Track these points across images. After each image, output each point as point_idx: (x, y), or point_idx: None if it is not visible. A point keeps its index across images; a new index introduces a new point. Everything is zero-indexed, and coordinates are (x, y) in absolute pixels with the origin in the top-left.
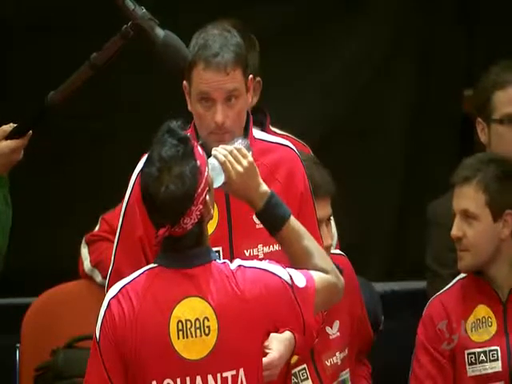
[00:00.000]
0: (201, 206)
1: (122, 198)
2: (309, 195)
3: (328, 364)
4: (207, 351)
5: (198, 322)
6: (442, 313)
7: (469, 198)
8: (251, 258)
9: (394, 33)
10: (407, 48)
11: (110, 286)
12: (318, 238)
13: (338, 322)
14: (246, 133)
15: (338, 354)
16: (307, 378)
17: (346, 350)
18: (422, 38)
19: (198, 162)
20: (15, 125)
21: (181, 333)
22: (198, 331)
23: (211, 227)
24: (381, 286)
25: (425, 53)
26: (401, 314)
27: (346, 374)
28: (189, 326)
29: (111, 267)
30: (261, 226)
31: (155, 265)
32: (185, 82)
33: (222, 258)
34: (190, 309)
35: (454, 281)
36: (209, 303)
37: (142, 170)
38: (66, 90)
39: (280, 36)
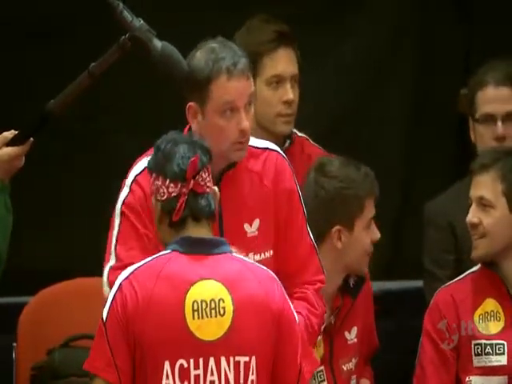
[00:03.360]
0: (211, 182)
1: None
2: (295, 193)
3: (345, 369)
4: (222, 332)
5: (213, 303)
6: (449, 303)
7: (486, 186)
8: None
9: (393, 32)
10: (406, 47)
11: (111, 282)
12: (308, 238)
13: (355, 328)
14: None
15: (353, 359)
16: (324, 380)
17: (358, 357)
18: (420, 37)
19: None
20: (16, 132)
21: (196, 313)
22: (213, 311)
23: None
24: (379, 285)
25: (424, 52)
26: (399, 313)
27: (354, 379)
28: (204, 307)
29: (111, 263)
30: (252, 234)
31: (169, 251)
32: (191, 103)
33: None
34: (206, 290)
35: (465, 273)
36: (224, 285)
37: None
38: (65, 98)
39: None
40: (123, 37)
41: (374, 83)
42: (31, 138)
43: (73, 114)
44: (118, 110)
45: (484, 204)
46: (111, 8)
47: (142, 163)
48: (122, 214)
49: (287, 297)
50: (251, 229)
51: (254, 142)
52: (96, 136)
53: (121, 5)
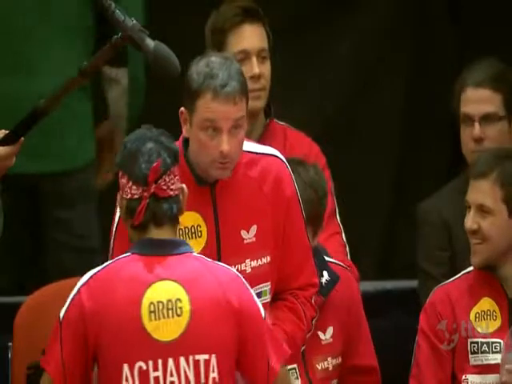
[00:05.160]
0: (179, 183)
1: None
2: (295, 199)
3: (319, 368)
4: (179, 332)
5: (170, 303)
6: (446, 301)
7: (485, 192)
8: (239, 273)
9: (387, 34)
10: (400, 48)
11: None
12: (306, 241)
13: (331, 328)
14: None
15: (330, 359)
16: (297, 378)
17: (340, 358)
18: (414, 38)
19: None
20: (7, 131)
21: (152, 314)
22: (170, 312)
23: (200, 244)
24: (373, 285)
25: (418, 53)
26: (393, 312)
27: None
28: (160, 308)
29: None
30: (249, 240)
31: (129, 253)
32: (183, 109)
33: None
34: (162, 291)
35: (461, 273)
36: (182, 286)
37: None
38: (57, 97)
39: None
40: (115, 36)
41: (368, 85)
42: (22, 138)
43: None
44: None
45: (483, 210)
46: (103, 8)
47: None
48: (116, 233)
49: (253, 294)
50: (248, 235)
51: (253, 147)
52: None
53: (113, 4)
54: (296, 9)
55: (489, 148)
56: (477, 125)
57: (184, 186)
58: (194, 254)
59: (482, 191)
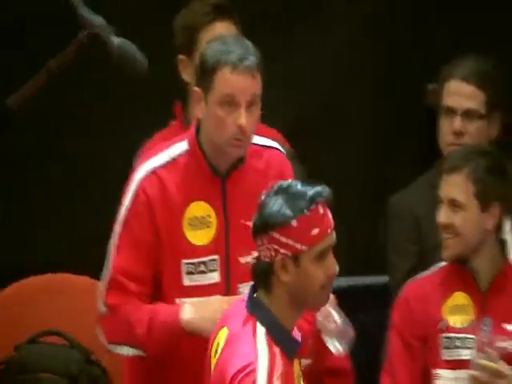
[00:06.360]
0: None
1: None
2: None
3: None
4: None
5: None
6: (418, 295)
7: (457, 187)
8: (245, 265)
9: (354, 33)
10: (371, 44)
11: (108, 291)
12: None
13: None
14: None
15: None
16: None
17: None
18: (384, 34)
19: None
20: None
21: None
22: None
23: (209, 235)
24: (351, 281)
25: (388, 49)
26: (370, 307)
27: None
28: None
29: (111, 270)
30: None
31: None
32: (197, 89)
33: (218, 265)
34: None
35: (434, 267)
36: None
37: None
38: (24, 95)
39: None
40: (81, 33)
41: (338, 82)
42: None
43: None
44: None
45: (455, 205)
46: (70, 4)
47: (145, 167)
48: (127, 220)
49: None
50: None
51: (256, 139)
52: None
53: (79, 1)
54: (266, 6)
55: (465, 144)
56: (458, 118)
57: None
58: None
59: (455, 186)
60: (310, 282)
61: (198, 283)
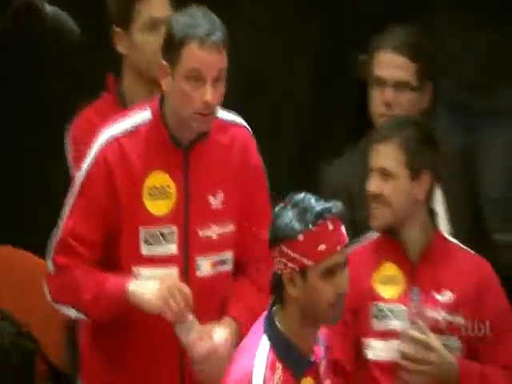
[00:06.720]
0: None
1: None
2: (261, 169)
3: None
4: None
5: None
6: (349, 266)
7: (387, 156)
8: (204, 238)
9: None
10: (302, 16)
11: (57, 251)
12: (269, 211)
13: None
14: None
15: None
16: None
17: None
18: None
19: None
20: None
21: None
22: None
23: (168, 206)
24: None
25: (322, 20)
26: None
27: None
28: None
29: (62, 231)
30: (216, 206)
31: None
32: (164, 62)
33: (176, 237)
34: None
35: (364, 237)
36: None
37: None
38: None
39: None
40: (17, 1)
41: (276, 58)
42: None
43: None
44: None
45: (385, 174)
46: None
47: (106, 133)
48: (85, 182)
49: None
50: (215, 201)
51: (221, 113)
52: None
53: None
54: None
55: (397, 114)
56: (389, 89)
57: None
58: None
59: (385, 155)
60: (318, 298)
61: (155, 253)
